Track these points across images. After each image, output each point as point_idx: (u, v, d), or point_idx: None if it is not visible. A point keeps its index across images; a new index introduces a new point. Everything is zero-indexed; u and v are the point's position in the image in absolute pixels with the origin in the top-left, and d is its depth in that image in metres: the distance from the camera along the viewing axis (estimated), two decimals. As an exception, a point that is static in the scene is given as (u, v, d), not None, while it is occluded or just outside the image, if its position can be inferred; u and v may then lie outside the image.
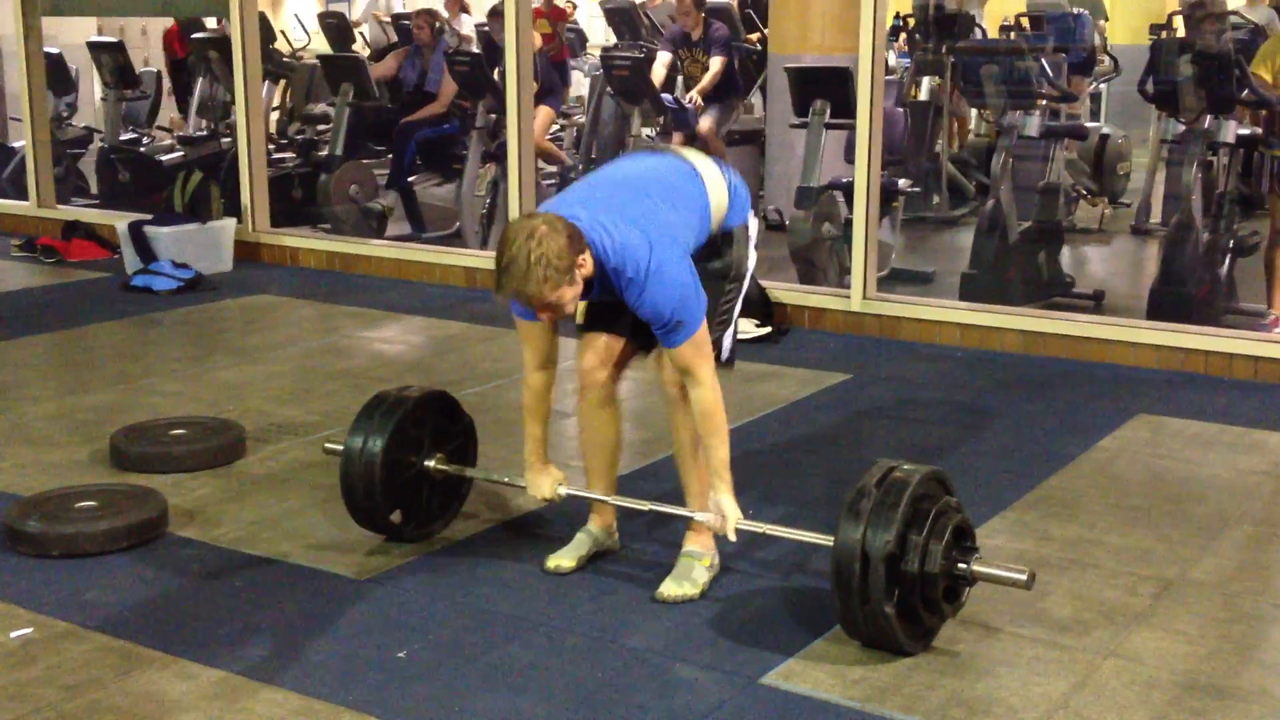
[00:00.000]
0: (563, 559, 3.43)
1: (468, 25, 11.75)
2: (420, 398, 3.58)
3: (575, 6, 12.90)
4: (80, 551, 3.50)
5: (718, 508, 3.18)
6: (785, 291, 6.16)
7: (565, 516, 3.73)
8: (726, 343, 3.35)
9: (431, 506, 3.65)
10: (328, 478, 4.12)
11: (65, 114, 9.71)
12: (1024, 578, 2.95)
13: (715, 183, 3.27)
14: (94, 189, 9.42)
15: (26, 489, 3.95)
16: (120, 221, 7.27)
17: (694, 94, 8.57)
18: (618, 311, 3.27)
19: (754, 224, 3.40)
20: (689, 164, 3.29)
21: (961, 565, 2.97)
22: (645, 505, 3.39)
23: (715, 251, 3.30)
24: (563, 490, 3.41)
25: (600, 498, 3.44)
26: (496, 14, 9.04)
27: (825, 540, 3.02)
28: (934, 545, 2.92)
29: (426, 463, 3.57)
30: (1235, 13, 9.09)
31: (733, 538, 3.20)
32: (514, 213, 6.77)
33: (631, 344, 3.37)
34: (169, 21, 11.53)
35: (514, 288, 2.95)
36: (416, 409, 3.55)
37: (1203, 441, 4.48)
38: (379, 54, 10.98)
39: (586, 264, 2.99)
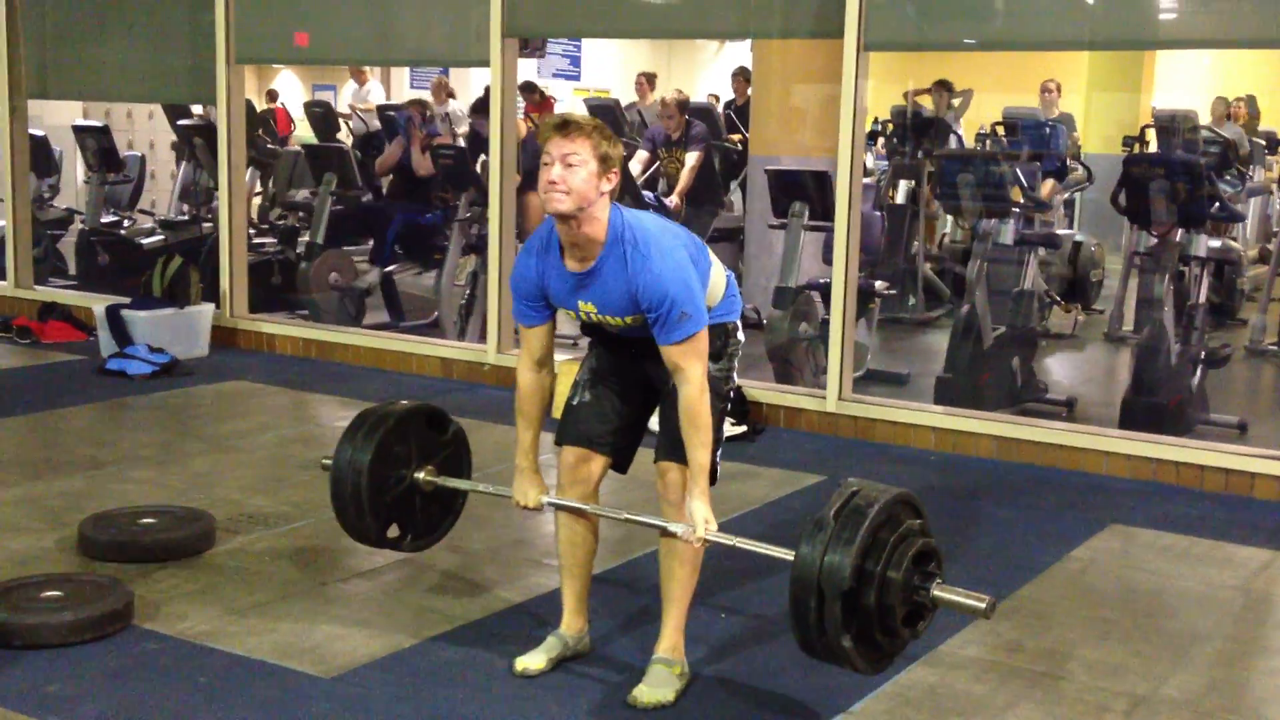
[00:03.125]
0: (531, 661, 3.40)
1: (455, 111, 11.88)
2: (403, 412, 3.62)
3: (556, 100, 13.08)
4: (43, 643, 3.44)
5: (690, 513, 3.16)
6: (762, 390, 6.18)
7: (537, 616, 3.70)
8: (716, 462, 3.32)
9: (428, 518, 3.67)
10: (297, 571, 4.09)
11: (47, 195, 9.74)
12: (983, 606, 2.90)
13: (717, 265, 3.32)
14: (73, 270, 9.42)
15: (-10, 576, 3.90)
16: (98, 304, 7.27)
17: (675, 196, 8.67)
18: (602, 419, 3.31)
19: (742, 336, 3.40)
20: (698, 238, 3.36)
21: (921, 591, 2.92)
22: (621, 515, 3.34)
23: (715, 352, 3.28)
24: (545, 499, 3.41)
25: (579, 505, 3.36)
26: (481, 108, 9.16)
27: (786, 555, 3.00)
28: (893, 574, 2.87)
29: (416, 475, 3.59)
30: (1207, 128, 9.29)
31: (698, 545, 3.17)
32: (493, 305, 6.81)
33: (610, 459, 3.39)
34: (156, 107, 11.64)
35: (566, 116, 3.07)
36: (400, 423, 3.58)
37: (1175, 554, 4.49)
38: (361, 143, 11.09)
39: (614, 181, 3.07)
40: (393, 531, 3.69)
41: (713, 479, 3.24)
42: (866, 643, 2.91)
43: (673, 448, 3.23)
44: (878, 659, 2.98)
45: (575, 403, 3.40)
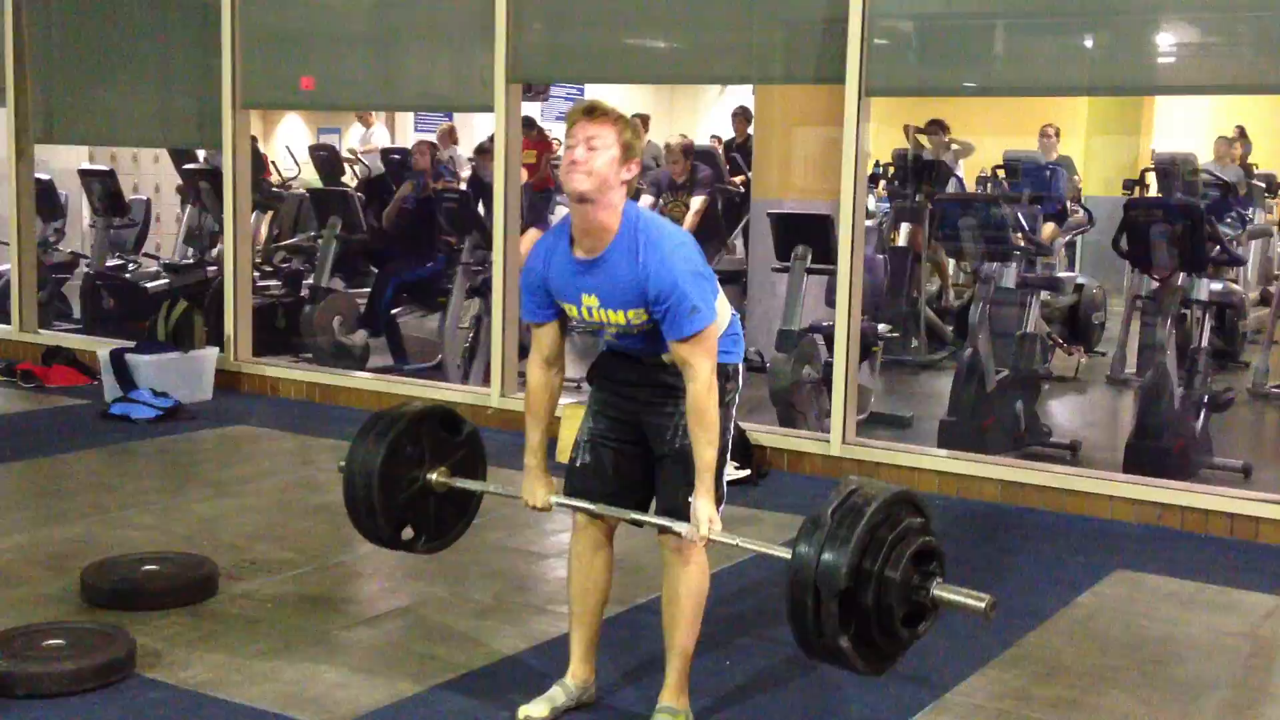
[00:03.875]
0: (535, 710, 3.37)
1: (457, 156, 11.95)
2: (417, 413, 3.61)
3: (559, 142, 13.15)
4: (45, 692, 3.42)
5: (694, 511, 3.15)
6: (765, 434, 6.18)
7: (541, 664, 3.68)
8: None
9: (441, 520, 3.66)
10: (300, 618, 4.08)
11: (53, 239, 9.78)
12: (983, 605, 2.87)
13: (722, 297, 3.32)
14: (78, 314, 9.44)
15: (-7, 624, 3.89)
16: (102, 348, 7.28)
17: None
18: (604, 481, 3.31)
19: (741, 380, 3.39)
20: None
21: (921, 591, 2.88)
22: (629, 515, 3.29)
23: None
24: (554, 499, 3.39)
25: (588, 507, 3.32)
26: (484, 150, 9.22)
27: (785, 555, 2.96)
28: (890, 574, 2.83)
29: (429, 476, 3.58)
30: (1207, 170, 9.34)
31: (700, 543, 3.16)
32: (497, 348, 6.82)
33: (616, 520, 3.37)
34: (162, 150, 11.69)
35: (594, 102, 3.13)
36: (413, 424, 3.57)
37: (1181, 600, 4.47)
38: (365, 185, 11.14)
39: (634, 171, 3.12)
40: (407, 534, 3.65)
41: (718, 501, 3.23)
42: (865, 643, 2.87)
43: (670, 511, 3.23)
44: (878, 660, 2.93)
45: (578, 464, 3.38)
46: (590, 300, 3.19)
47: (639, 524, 3.31)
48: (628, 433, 3.33)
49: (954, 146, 9.95)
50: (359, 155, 12.72)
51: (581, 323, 3.30)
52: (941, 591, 2.90)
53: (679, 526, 3.18)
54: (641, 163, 3.18)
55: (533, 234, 8.77)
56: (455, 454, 3.68)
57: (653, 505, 3.34)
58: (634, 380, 3.30)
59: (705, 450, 3.13)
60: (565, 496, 3.39)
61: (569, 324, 3.36)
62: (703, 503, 3.14)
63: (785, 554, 2.96)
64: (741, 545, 3.17)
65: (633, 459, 3.34)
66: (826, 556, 2.80)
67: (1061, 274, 8.92)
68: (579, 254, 3.17)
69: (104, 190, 9.55)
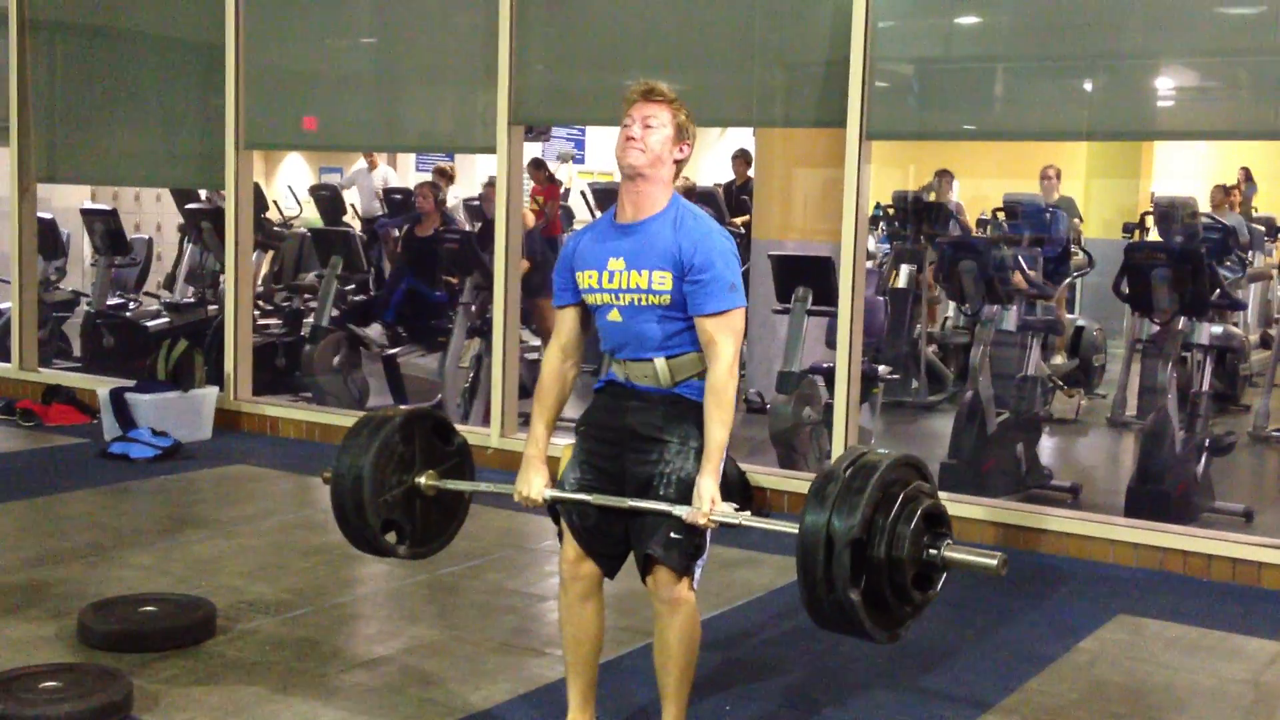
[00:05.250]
0: (535, 756, 3.35)
1: (453, 200, 11.99)
2: (411, 413, 3.63)
3: (566, 189, 13.20)
4: (40, 735, 3.40)
5: (699, 490, 3.13)
6: (765, 475, 6.17)
7: (539, 709, 3.66)
8: (697, 571, 3.27)
9: (427, 526, 3.64)
10: (298, 660, 4.05)
11: (54, 278, 9.80)
12: (994, 563, 2.88)
13: None
14: (78, 353, 9.45)
15: (-11, 666, 3.86)
16: (102, 387, 7.28)
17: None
18: (589, 534, 3.28)
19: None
20: None
21: (932, 551, 2.89)
22: (626, 503, 3.23)
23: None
24: (548, 493, 3.36)
25: (582, 497, 3.28)
26: (490, 187, 9.24)
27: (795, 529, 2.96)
28: (902, 529, 2.85)
29: (418, 480, 3.57)
30: (1207, 215, 9.36)
31: (703, 523, 3.12)
32: (496, 388, 6.82)
33: (600, 569, 3.34)
34: (164, 191, 11.73)
35: (651, 84, 3.22)
36: (404, 426, 3.57)
37: (1183, 646, 4.45)
38: (366, 225, 11.19)
39: (686, 153, 3.25)
40: (390, 538, 3.62)
41: (694, 586, 3.23)
42: (875, 602, 2.86)
43: (647, 555, 3.20)
44: (887, 622, 2.92)
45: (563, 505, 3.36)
46: (617, 264, 3.23)
47: (638, 513, 3.21)
48: (612, 484, 3.29)
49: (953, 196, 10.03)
50: (343, 181, 12.79)
51: (596, 293, 3.25)
52: (953, 552, 2.92)
53: (679, 510, 3.15)
54: (690, 145, 3.28)
55: (547, 305, 8.81)
56: (445, 461, 3.67)
57: (646, 510, 3.22)
58: (622, 426, 3.26)
59: (718, 430, 3.15)
60: (560, 491, 3.33)
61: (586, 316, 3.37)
62: (708, 481, 3.13)
63: (792, 528, 2.96)
64: (745, 524, 3.16)
65: (617, 509, 3.27)
66: (840, 507, 2.83)
67: (1063, 316, 8.94)
68: (621, 218, 3.26)
69: (106, 229, 9.58)
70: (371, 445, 3.52)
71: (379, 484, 3.53)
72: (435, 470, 3.64)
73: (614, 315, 3.26)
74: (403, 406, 3.75)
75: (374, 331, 8.48)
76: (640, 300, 3.21)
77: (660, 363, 3.23)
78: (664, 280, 3.17)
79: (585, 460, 3.34)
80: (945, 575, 2.97)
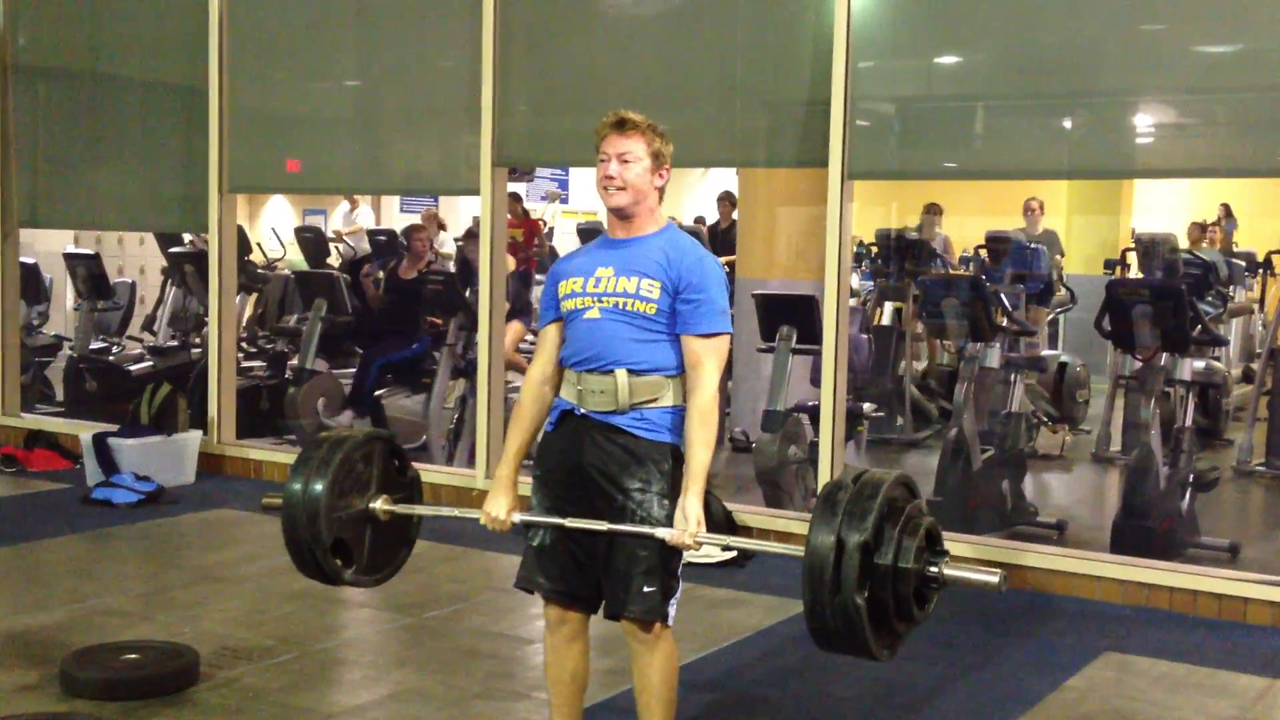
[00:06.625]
0: (521, 801, 3.33)
1: (447, 244, 12.01)
2: (368, 435, 3.60)
3: (551, 228, 13.24)
4: (20, 787, 3.37)
5: (684, 510, 3.10)
6: (751, 514, 6.16)
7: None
8: (672, 609, 3.24)
9: (375, 553, 3.57)
10: (281, 707, 4.02)
11: (37, 322, 9.77)
12: (995, 580, 2.93)
13: None
14: (60, 397, 9.40)
15: (-32, 716, 3.83)
16: (84, 432, 7.24)
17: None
18: (563, 565, 3.25)
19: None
20: None
21: (933, 568, 2.94)
22: (603, 526, 3.16)
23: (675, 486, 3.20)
24: (516, 517, 3.30)
25: (556, 521, 3.21)
26: (472, 235, 9.26)
27: (791, 550, 3.00)
28: (908, 542, 2.91)
29: (372, 505, 3.51)
30: (1187, 251, 9.43)
31: (690, 543, 3.09)
32: (481, 429, 6.80)
33: (583, 608, 3.32)
34: (148, 234, 11.71)
35: (622, 115, 3.25)
36: (365, 445, 3.53)
37: (1170, 683, 4.44)
38: (349, 266, 11.17)
39: (665, 177, 3.27)
40: (336, 565, 3.54)
41: (669, 623, 3.23)
42: (877, 613, 2.89)
43: (624, 601, 3.18)
44: (887, 635, 2.95)
45: (535, 544, 3.30)
46: (605, 271, 3.23)
47: (616, 535, 3.16)
48: (581, 508, 3.23)
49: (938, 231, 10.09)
50: (343, 236, 12.78)
51: (577, 296, 3.22)
52: (953, 569, 2.97)
53: (662, 532, 3.12)
54: (668, 171, 3.29)
55: (516, 326, 8.81)
56: (399, 491, 3.59)
57: (625, 533, 3.19)
58: (578, 466, 3.21)
59: (701, 451, 3.13)
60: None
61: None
62: (692, 501, 3.10)
63: (788, 550, 3.01)
64: (733, 545, 3.19)
65: (590, 553, 3.24)
66: (852, 511, 2.88)
67: (1045, 352, 8.96)
68: (615, 233, 3.28)
69: (88, 273, 9.55)
70: (333, 458, 3.44)
71: (336, 497, 3.44)
72: (389, 496, 3.56)
73: (592, 314, 3.21)
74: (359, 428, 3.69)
75: (344, 419, 8.40)
76: (623, 304, 3.18)
77: (621, 375, 3.17)
78: (652, 289, 3.17)
79: (552, 507, 3.27)
80: (939, 596, 3.03)
